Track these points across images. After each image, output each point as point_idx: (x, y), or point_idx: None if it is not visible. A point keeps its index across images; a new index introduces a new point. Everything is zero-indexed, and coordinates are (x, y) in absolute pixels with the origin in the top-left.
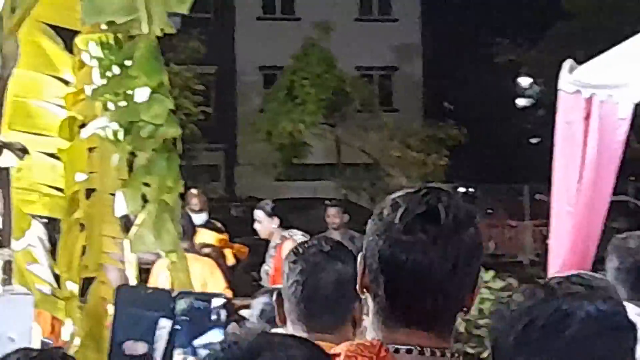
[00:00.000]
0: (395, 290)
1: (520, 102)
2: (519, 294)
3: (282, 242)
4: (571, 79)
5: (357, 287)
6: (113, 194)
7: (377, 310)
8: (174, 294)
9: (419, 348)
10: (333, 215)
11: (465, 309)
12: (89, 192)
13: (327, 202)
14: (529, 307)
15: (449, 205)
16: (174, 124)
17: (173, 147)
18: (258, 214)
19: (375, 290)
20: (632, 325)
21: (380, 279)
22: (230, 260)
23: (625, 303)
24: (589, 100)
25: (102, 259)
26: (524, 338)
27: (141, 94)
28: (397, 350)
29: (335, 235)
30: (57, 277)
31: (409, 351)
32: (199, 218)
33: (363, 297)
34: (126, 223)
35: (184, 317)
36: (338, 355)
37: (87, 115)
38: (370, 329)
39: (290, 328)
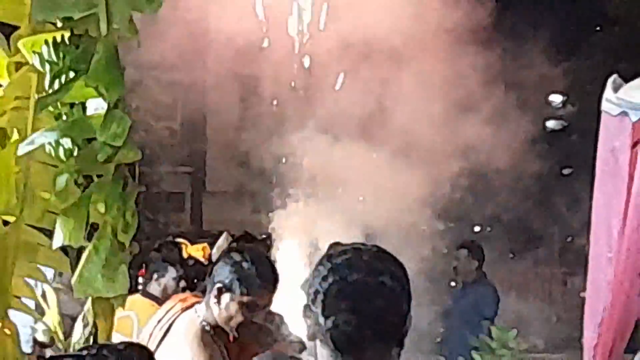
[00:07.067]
0: None
1: (551, 124)
2: None
3: None
4: (616, 98)
5: None
6: (34, 227)
7: None
8: None
9: None
10: None
11: None
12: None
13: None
14: None
15: None
16: (132, 146)
17: (129, 174)
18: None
19: None
20: None
21: None
22: None
23: None
24: (637, 125)
25: (10, 303)
26: None
27: (96, 107)
28: None
29: None
30: None
31: None
32: None
33: None
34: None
35: None
36: None
37: (18, 127)
38: None
39: None
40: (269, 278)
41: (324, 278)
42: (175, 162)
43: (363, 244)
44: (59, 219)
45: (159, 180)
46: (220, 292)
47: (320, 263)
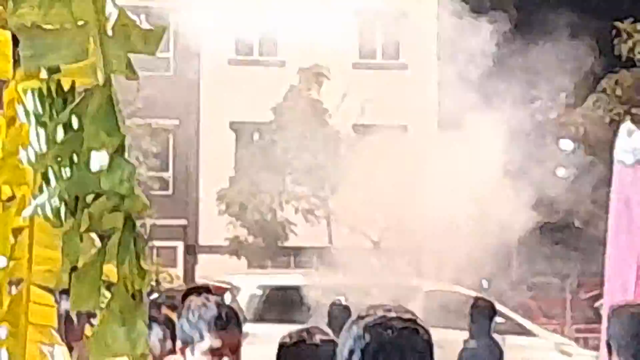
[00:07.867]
0: None
1: (561, 172)
2: None
3: None
4: (630, 146)
5: None
6: (45, 288)
7: None
8: None
9: None
10: None
11: None
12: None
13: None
14: None
15: None
16: (138, 195)
17: (133, 225)
18: None
19: None
20: None
21: None
22: None
23: None
24: None
25: None
26: None
27: (98, 160)
28: None
29: None
30: None
31: None
32: None
33: None
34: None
35: None
36: None
37: (14, 185)
38: None
39: None
40: (213, 318)
41: (361, 337)
42: (167, 214)
43: (384, 305)
44: (72, 283)
45: (149, 234)
46: (182, 350)
47: (352, 324)
